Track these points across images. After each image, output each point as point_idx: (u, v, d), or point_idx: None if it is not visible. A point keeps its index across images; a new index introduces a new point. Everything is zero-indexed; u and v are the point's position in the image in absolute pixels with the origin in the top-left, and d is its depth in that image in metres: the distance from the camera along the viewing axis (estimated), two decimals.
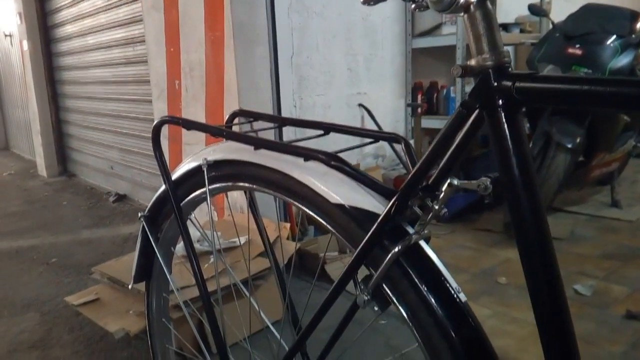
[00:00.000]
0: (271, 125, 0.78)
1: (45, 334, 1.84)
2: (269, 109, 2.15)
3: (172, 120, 0.78)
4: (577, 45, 2.32)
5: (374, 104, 3.05)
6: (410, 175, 0.52)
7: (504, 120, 0.47)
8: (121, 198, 3.67)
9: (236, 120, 0.81)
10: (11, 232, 3.10)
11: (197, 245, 1.58)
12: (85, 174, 4.44)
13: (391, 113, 3.19)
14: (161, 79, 2.66)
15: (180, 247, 1.19)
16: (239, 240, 1.72)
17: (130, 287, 1.00)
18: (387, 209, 0.52)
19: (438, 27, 3.05)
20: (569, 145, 2.27)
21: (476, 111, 0.49)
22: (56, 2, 4.25)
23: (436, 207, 0.52)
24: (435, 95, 3.27)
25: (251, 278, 1.60)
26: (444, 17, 3.01)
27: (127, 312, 1.62)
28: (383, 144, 3.04)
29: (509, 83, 0.48)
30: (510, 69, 0.50)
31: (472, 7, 0.49)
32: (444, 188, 0.51)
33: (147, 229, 0.86)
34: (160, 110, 2.74)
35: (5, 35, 5.57)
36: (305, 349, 0.79)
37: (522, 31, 3.34)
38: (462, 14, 0.50)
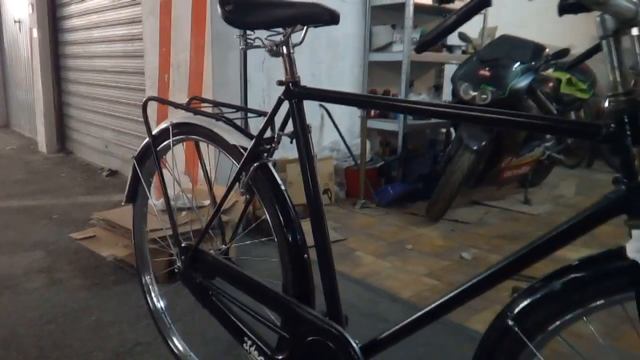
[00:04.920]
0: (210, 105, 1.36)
1: (50, 264, 2.39)
2: (237, 102, 2.73)
3: (154, 98, 1.35)
4: (487, 68, 2.92)
5: (334, 106, 3.62)
6: (259, 131, 1.09)
7: (296, 109, 1.03)
8: (113, 173, 4.21)
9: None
10: (17, 194, 3.64)
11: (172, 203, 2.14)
12: (81, 151, 4.98)
13: (348, 114, 3.76)
14: (153, 73, 3.22)
15: (159, 203, 1.74)
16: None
17: (123, 203, 1.55)
18: (251, 145, 1.08)
19: (390, 44, 3.64)
20: (474, 147, 2.86)
21: (284, 101, 1.04)
22: None
23: (274, 146, 1.08)
24: None
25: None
26: (395, 37, 3.60)
27: (116, 244, 2.18)
28: (339, 140, 3.62)
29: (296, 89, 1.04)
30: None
31: None
32: (276, 138, 1.07)
33: (136, 166, 1.43)
34: None
35: (15, 21, 6.07)
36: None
37: (463, 52, 3.93)
38: None
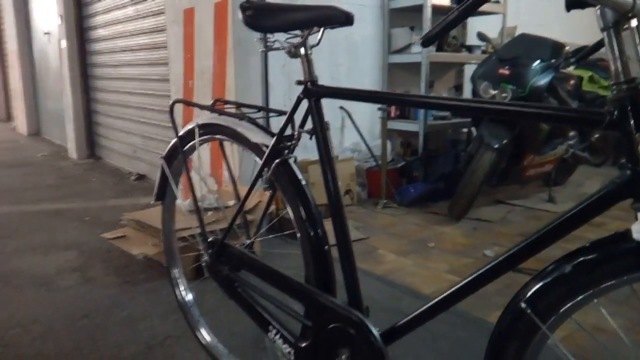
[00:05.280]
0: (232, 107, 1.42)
1: (83, 263, 2.49)
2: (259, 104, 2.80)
3: (179, 100, 1.42)
4: (506, 67, 2.93)
5: (354, 108, 3.67)
6: (280, 129, 1.14)
7: (315, 106, 1.07)
8: (141, 177, 4.33)
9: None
10: (50, 198, 3.77)
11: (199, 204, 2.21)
12: (110, 157, 5.13)
13: (369, 116, 3.80)
14: (178, 79, 3.31)
15: (187, 203, 1.81)
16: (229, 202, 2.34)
17: (152, 202, 1.62)
18: (272, 142, 1.13)
19: (409, 46, 3.67)
20: (495, 146, 2.87)
21: (304, 100, 1.09)
22: (93, 8, 4.95)
23: (294, 142, 1.13)
24: None
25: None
26: (413, 38, 3.63)
27: (146, 243, 2.26)
28: (360, 142, 3.66)
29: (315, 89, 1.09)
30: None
31: None
32: (296, 135, 1.12)
33: (164, 165, 1.49)
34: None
35: (44, 33, 6.29)
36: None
37: (483, 52, 3.94)
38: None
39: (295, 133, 1.13)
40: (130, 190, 4.00)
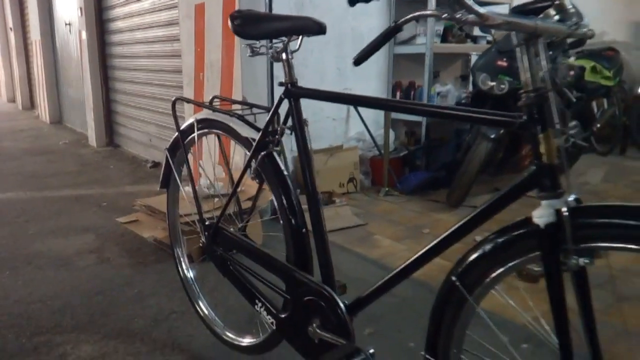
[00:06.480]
0: (228, 102, 1.56)
1: (99, 245, 2.68)
2: (264, 97, 2.94)
3: (181, 97, 1.57)
4: (504, 59, 3.01)
5: None
6: (265, 125, 1.28)
7: (294, 106, 1.21)
8: (156, 165, 4.52)
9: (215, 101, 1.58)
10: (71, 185, 3.99)
11: (205, 190, 2.37)
12: (128, 145, 5.34)
13: None
14: (190, 71, 3.47)
15: (189, 189, 1.97)
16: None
17: (158, 189, 1.79)
18: (258, 137, 1.28)
19: (414, 37, 3.76)
20: (492, 136, 2.97)
21: (285, 100, 1.22)
22: (111, 0, 5.13)
23: (278, 137, 1.27)
24: (412, 92, 3.97)
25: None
26: (418, 30, 3.72)
27: (156, 227, 2.43)
28: (364, 131, 3.78)
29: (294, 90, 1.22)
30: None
31: None
32: (278, 129, 1.26)
33: (168, 156, 1.65)
34: (188, 95, 3.56)
35: (66, 24, 6.51)
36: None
37: (488, 42, 4.00)
38: None
39: (279, 129, 1.27)
40: (146, 177, 4.19)
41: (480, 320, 0.95)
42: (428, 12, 0.82)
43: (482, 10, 0.73)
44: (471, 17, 0.74)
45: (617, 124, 4.57)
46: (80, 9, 5.38)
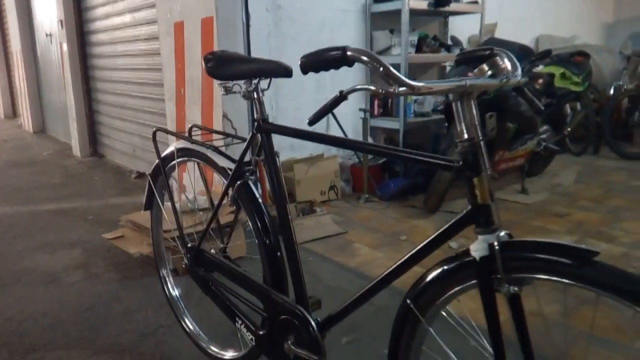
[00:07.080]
0: (209, 132, 1.66)
1: (86, 260, 2.76)
2: (245, 113, 3.04)
3: (160, 129, 1.67)
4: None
5: (340, 108, 3.89)
6: (240, 156, 1.38)
7: (266, 140, 1.31)
8: (141, 175, 4.59)
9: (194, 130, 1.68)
10: (56, 198, 4.04)
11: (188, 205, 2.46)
12: (112, 155, 5.39)
13: (352, 115, 4.02)
14: (171, 86, 3.55)
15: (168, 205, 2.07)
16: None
17: (142, 211, 1.88)
18: (235, 167, 1.38)
19: (389, 48, 3.88)
20: None
21: (257, 135, 1.33)
22: (92, 14, 5.17)
23: (252, 168, 1.38)
24: (389, 102, 4.10)
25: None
26: (393, 41, 3.84)
27: (142, 243, 2.52)
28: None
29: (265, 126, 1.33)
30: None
31: None
32: (253, 161, 1.37)
33: (150, 182, 1.75)
34: (170, 109, 3.64)
35: (46, 35, 6.52)
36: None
37: (461, 50, 4.13)
38: None
39: (252, 160, 1.37)
40: (131, 188, 4.26)
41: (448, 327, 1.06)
42: (366, 87, 0.94)
43: (413, 82, 0.85)
44: (402, 89, 0.85)
45: (590, 125, 4.75)
46: (61, 21, 5.41)
